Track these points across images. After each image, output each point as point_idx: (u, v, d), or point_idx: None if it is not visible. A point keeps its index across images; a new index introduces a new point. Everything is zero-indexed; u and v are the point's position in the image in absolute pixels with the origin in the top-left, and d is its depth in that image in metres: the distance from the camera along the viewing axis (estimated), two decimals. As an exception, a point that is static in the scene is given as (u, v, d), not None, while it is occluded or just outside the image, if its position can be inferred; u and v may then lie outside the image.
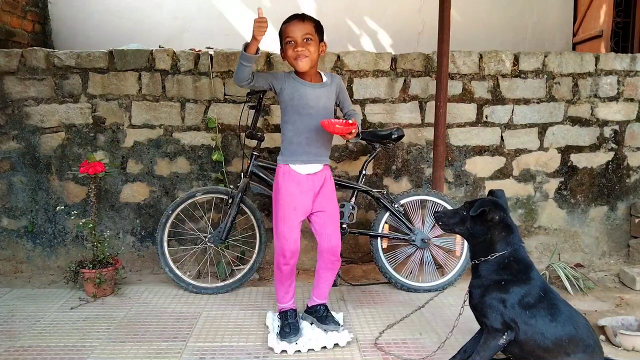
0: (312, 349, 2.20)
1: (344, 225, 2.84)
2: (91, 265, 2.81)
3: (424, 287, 2.92)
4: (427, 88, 3.34)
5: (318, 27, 2.23)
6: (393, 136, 2.88)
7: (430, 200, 2.99)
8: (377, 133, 2.93)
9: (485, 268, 1.89)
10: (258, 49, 2.14)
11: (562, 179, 3.49)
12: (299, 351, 2.18)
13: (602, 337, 2.28)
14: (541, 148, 3.45)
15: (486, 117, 3.40)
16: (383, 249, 2.94)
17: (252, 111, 2.80)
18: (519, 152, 3.45)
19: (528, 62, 3.38)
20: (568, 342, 1.74)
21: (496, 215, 1.86)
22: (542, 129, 3.44)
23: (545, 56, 3.39)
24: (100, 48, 3.27)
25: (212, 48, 3.52)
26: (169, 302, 2.76)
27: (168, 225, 2.90)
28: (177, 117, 3.27)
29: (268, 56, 3.27)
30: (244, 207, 2.86)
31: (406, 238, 2.94)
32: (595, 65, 3.43)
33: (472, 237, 1.94)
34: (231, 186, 3.03)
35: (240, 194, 2.80)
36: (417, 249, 2.97)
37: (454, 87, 3.33)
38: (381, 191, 2.98)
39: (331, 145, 2.37)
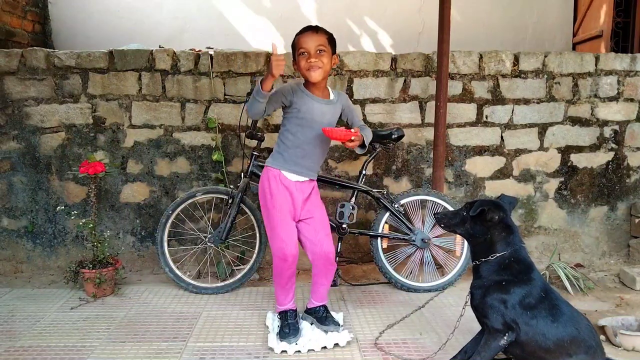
0: (312, 349, 2.20)
1: (344, 225, 2.84)
2: (91, 265, 2.81)
3: (424, 287, 2.92)
4: (427, 88, 3.34)
5: (331, 39, 2.24)
6: (393, 136, 2.88)
7: (430, 200, 2.99)
8: (377, 133, 2.92)
9: (486, 269, 1.89)
10: (272, 86, 2.14)
11: (562, 179, 3.49)
12: (299, 351, 2.18)
13: (602, 337, 2.27)
14: (541, 148, 3.45)
15: (486, 117, 3.40)
16: (383, 249, 2.94)
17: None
18: (519, 152, 3.45)
19: (528, 62, 3.38)
20: (570, 343, 1.74)
21: (495, 215, 1.86)
22: (542, 129, 3.44)
23: (545, 56, 3.39)
24: (100, 48, 3.27)
25: (212, 48, 3.52)
26: (169, 302, 2.75)
27: (168, 225, 2.90)
28: (177, 117, 3.27)
29: (268, 56, 3.27)
30: (244, 207, 2.86)
31: (406, 238, 2.94)
32: (595, 65, 3.43)
33: (472, 237, 1.94)
34: (231, 186, 3.03)
35: (240, 194, 2.80)
36: (417, 249, 2.97)
37: (454, 87, 3.33)
38: (381, 191, 2.98)
39: (322, 161, 2.43)
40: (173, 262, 2.91)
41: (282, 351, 2.17)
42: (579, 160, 3.49)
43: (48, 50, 3.23)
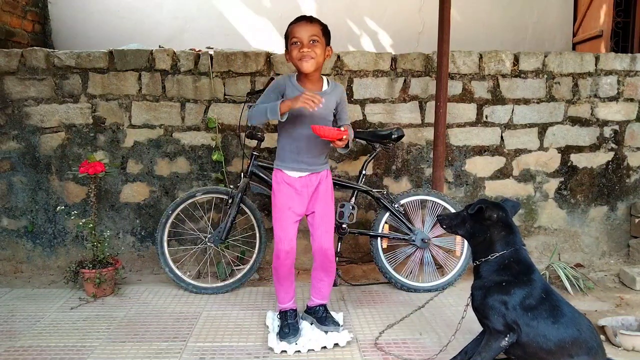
0: (312, 349, 2.20)
1: (344, 225, 2.84)
2: (91, 265, 2.81)
3: (424, 287, 2.92)
4: (427, 88, 3.34)
5: (325, 30, 2.21)
6: (393, 136, 2.88)
7: (430, 200, 2.99)
8: (377, 133, 2.93)
9: (486, 269, 1.89)
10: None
11: (562, 179, 3.49)
12: (299, 351, 2.18)
13: (602, 337, 2.27)
14: (541, 148, 3.45)
15: (486, 117, 3.40)
16: (383, 249, 2.94)
17: (252, 111, 2.80)
18: (519, 152, 3.45)
19: (528, 62, 3.38)
20: (571, 344, 1.73)
21: (494, 213, 1.86)
22: (542, 129, 3.44)
23: (545, 56, 3.39)
24: (100, 48, 3.27)
25: (212, 48, 3.52)
26: (169, 302, 2.75)
27: (168, 225, 2.90)
28: (177, 117, 3.27)
29: (268, 56, 3.27)
30: (244, 207, 2.86)
31: (406, 238, 2.94)
32: (595, 65, 3.43)
33: (472, 237, 1.95)
34: (231, 186, 3.03)
35: (240, 194, 2.80)
36: (417, 249, 2.97)
37: (454, 87, 3.33)
38: (381, 191, 2.98)
39: (327, 152, 2.34)
40: (173, 262, 2.91)
41: (282, 351, 2.17)
42: (579, 160, 3.49)
43: (48, 50, 3.23)
